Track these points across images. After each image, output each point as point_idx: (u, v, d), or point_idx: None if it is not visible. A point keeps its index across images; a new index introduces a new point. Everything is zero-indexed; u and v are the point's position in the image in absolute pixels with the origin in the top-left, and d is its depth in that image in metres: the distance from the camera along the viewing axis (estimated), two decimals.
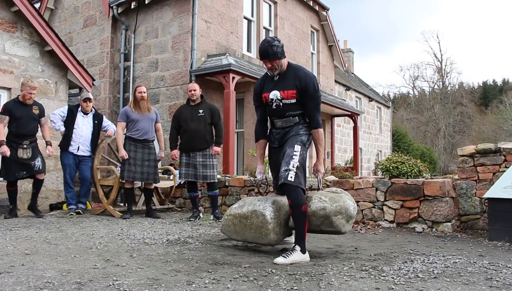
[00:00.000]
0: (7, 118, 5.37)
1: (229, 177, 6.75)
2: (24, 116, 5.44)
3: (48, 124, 6.03)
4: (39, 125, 5.67)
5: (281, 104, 3.39)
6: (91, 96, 6.38)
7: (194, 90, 5.69)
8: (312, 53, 13.18)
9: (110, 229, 4.66)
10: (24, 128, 5.45)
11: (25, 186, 6.24)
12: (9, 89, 6.42)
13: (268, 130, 3.64)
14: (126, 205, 6.11)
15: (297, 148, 3.30)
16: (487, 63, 67.18)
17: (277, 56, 3.31)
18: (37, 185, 5.69)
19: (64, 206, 6.42)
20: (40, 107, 5.70)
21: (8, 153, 5.28)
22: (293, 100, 3.36)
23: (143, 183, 6.10)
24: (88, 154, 6.23)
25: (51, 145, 5.77)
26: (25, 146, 5.44)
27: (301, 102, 3.37)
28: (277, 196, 3.56)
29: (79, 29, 10.38)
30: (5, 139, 5.31)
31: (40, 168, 5.56)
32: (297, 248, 3.17)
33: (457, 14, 76.10)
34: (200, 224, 5.27)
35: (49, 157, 5.88)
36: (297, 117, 3.41)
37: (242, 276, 2.66)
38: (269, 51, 3.28)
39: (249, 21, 10.58)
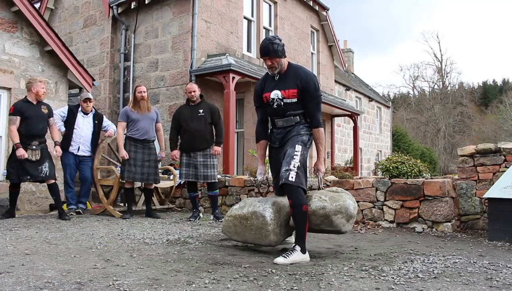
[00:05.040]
0: (18, 119, 5.20)
1: (229, 177, 6.75)
2: (33, 116, 5.28)
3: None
4: (47, 126, 5.52)
5: (282, 103, 3.39)
6: (91, 96, 6.38)
7: (194, 91, 5.67)
8: (312, 53, 13.18)
9: (110, 229, 4.66)
10: (34, 129, 5.29)
11: (25, 186, 6.22)
12: (9, 89, 6.40)
13: (269, 130, 3.64)
14: (126, 205, 6.11)
15: (298, 147, 3.30)
16: (487, 63, 67.32)
17: (277, 54, 3.32)
18: (52, 191, 5.46)
19: (64, 206, 6.41)
20: (49, 107, 5.54)
21: (26, 156, 5.15)
22: (294, 100, 3.36)
23: (143, 183, 6.10)
24: (88, 154, 6.24)
25: (59, 145, 5.65)
26: (34, 147, 5.27)
27: (302, 102, 3.38)
28: (277, 197, 3.56)
29: (79, 29, 10.38)
30: (19, 142, 5.16)
31: (48, 173, 5.35)
32: (297, 248, 3.17)
33: (457, 14, 76.23)
34: (200, 224, 5.27)
35: (57, 157, 5.77)
36: (298, 116, 3.41)
37: (242, 276, 2.66)
38: (270, 48, 3.30)
39: (249, 21, 10.58)
